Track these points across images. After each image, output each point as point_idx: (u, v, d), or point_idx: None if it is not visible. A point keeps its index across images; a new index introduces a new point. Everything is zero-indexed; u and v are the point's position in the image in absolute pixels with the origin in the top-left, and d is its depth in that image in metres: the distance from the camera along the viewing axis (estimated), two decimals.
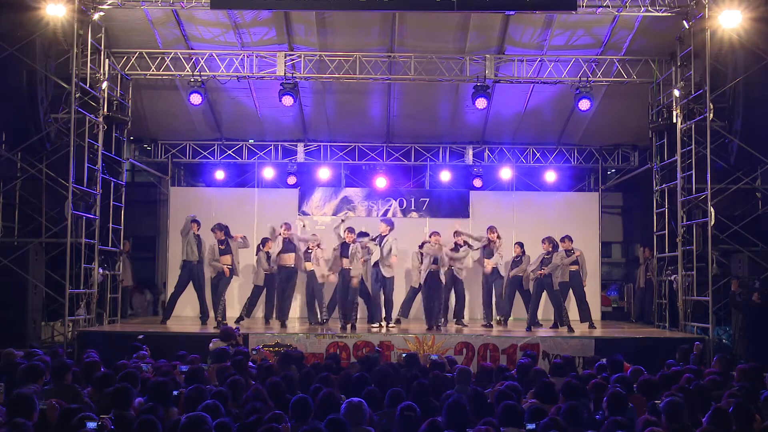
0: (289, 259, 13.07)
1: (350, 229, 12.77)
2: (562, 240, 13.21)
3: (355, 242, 12.57)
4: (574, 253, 13.11)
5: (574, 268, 13.05)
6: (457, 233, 13.16)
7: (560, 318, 12.84)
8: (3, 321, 11.05)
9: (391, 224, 13.14)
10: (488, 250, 13.34)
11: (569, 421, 5.33)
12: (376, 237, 13.10)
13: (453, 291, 13.21)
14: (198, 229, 13.11)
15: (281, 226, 13.14)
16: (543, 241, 13.20)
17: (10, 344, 9.25)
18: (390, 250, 12.75)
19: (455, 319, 13.39)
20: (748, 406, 5.53)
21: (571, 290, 13.18)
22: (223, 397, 5.92)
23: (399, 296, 13.49)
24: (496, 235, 13.32)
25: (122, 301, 14.49)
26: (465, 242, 13.19)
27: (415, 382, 6.62)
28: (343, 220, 12.96)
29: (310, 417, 5.48)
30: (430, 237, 12.97)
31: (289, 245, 13.06)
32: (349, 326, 12.20)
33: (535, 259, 13.29)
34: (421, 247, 13.13)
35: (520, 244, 13.65)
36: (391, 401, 6.03)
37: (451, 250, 13.01)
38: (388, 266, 12.74)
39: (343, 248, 12.60)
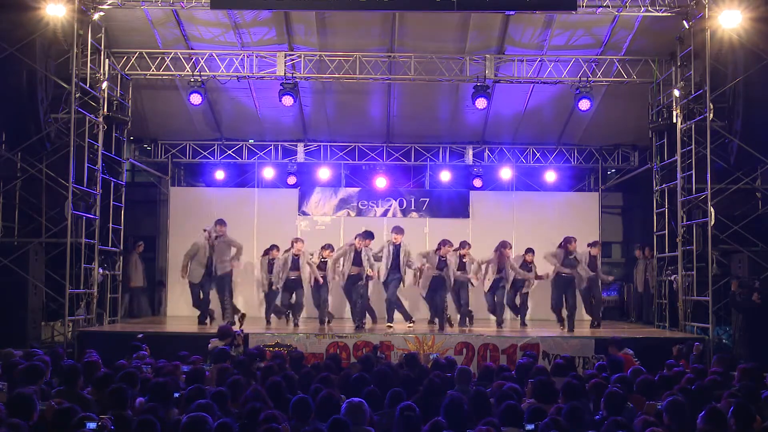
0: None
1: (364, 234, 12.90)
2: (569, 241, 13.16)
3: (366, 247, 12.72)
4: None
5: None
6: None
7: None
8: (3, 321, 11.05)
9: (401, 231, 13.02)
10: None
11: (571, 422, 5.33)
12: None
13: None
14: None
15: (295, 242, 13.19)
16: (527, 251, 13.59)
17: (10, 344, 9.27)
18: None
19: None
20: (749, 406, 5.52)
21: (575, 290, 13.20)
22: (223, 397, 5.92)
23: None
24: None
25: (131, 301, 14.57)
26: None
27: (426, 379, 6.61)
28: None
29: (311, 417, 5.48)
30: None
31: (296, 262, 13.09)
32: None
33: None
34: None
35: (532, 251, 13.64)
36: (391, 401, 6.03)
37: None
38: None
39: (356, 256, 12.68)
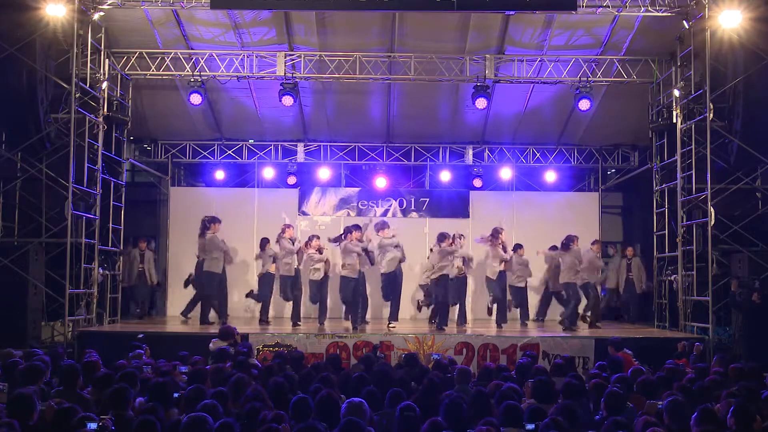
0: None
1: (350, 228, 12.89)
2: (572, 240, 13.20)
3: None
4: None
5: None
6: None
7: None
8: (3, 321, 11.05)
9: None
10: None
11: (566, 421, 5.33)
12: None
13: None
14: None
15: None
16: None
17: (10, 344, 9.26)
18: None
19: None
20: (748, 406, 5.52)
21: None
22: (223, 397, 5.92)
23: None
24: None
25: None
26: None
27: (426, 378, 6.60)
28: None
29: (311, 417, 5.48)
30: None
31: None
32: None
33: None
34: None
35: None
36: (391, 401, 6.03)
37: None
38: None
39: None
